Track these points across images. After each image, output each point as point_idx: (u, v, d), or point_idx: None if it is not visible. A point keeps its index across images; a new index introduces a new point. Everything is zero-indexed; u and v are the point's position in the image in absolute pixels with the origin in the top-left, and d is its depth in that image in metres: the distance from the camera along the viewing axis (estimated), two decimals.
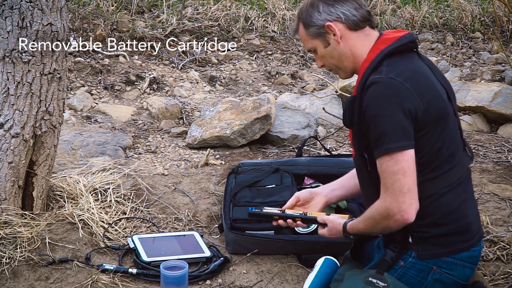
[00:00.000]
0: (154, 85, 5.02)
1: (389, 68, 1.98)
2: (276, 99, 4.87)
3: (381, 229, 2.05)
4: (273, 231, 2.80)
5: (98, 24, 5.76)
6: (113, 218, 2.99)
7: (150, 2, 6.44)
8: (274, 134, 4.10)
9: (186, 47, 5.80)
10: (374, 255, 2.21)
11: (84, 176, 3.27)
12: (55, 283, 2.56)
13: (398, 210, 1.94)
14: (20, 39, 2.69)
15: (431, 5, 7.20)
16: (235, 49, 5.96)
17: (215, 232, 2.98)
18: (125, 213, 3.06)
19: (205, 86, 5.20)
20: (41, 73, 2.75)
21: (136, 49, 5.60)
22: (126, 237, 2.88)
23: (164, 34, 5.87)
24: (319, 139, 3.92)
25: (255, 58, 5.91)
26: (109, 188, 3.18)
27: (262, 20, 6.47)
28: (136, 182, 3.34)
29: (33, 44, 2.70)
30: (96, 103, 4.70)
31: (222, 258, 2.70)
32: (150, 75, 5.13)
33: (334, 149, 4.03)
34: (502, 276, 2.62)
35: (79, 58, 5.24)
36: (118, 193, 3.18)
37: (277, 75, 5.55)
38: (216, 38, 6.10)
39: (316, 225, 2.46)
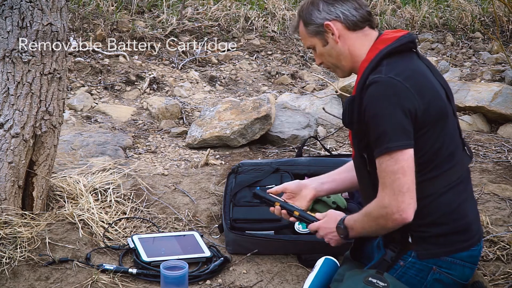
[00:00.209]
0: (154, 85, 5.02)
1: (389, 68, 1.99)
2: (276, 99, 4.87)
3: (377, 227, 2.03)
4: (273, 231, 2.80)
5: (98, 24, 5.76)
6: (113, 218, 2.99)
7: (150, 2, 6.44)
8: (274, 134, 4.10)
9: (186, 47, 5.81)
10: (374, 255, 2.21)
11: (84, 176, 3.27)
12: (55, 283, 2.56)
13: (397, 209, 1.94)
14: (20, 39, 2.69)
15: (431, 5, 7.20)
16: (235, 49, 5.96)
17: (215, 232, 2.98)
18: (125, 213, 3.07)
19: (205, 86, 5.21)
20: (41, 73, 2.75)
21: (136, 49, 5.61)
22: (126, 237, 2.88)
23: (164, 34, 5.87)
24: (319, 139, 3.92)
25: (255, 58, 5.91)
26: (109, 188, 3.18)
27: (262, 20, 6.47)
28: (136, 182, 3.34)
29: (33, 44, 2.70)
30: (96, 103, 4.70)
31: (222, 258, 2.70)
32: (150, 75, 5.13)
33: (334, 149, 4.03)
34: (502, 276, 2.62)
35: (79, 58, 5.24)
36: (118, 193, 3.18)
37: (277, 75, 5.55)
38: (216, 38, 6.10)
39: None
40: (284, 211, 2.34)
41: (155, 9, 6.42)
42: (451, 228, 2.05)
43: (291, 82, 5.46)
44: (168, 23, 6.05)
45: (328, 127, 4.40)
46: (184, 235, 2.89)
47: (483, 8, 7.07)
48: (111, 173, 3.34)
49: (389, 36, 2.09)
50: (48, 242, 2.74)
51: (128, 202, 3.15)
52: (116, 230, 2.93)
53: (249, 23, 6.40)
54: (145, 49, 5.61)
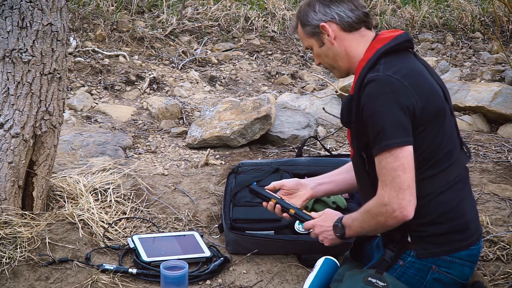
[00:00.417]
0: (154, 85, 5.02)
1: (386, 66, 1.99)
2: (276, 99, 4.87)
3: (376, 225, 2.02)
4: (273, 231, 2.80)
5: (98, 24, 5.76)
6: (113, 218, 3.00)
7: (150, 2, 6.44)
8: (274, 134, 4.10)
9: (186, 47, 5.81)
10: (373, 255, 2.21)
11: (84, 176, 3.27)
12: (55, 283, 2.56)
13: (398, 206, 1.94)
14: (20, 39, 2.69)
15: (431, 5, 7.21)
16: (234, 49, 5.96)
17: (215, 232, 2.98)
18: (125, 213, 3.07)
19: (205, 86, 5.21)
20: (41, 73, 2.75)
21: (136, 49, 5.61)
22: (126, 237, 2.88)
23: (164, 34, 5.87)
24: (319, 139, 3.92)
25: (255, 58, 5.91)
26: (109, 188, 3.18)
27: (262, 20, 6.47)
28: (136, 182, 3.34)
29: (33, 44, 2.70)
30: (96, 103, 4.71)
31: (222, 258, 2.70)
32: (150, 75, 5.13)
33: (334, 149, 4.03)
34: (502, 276, 2.62)
35: (79, 58, 5.24)
36: (118, 193, 3.18)
37: (277, 75, 5.55)
38: (216, 38, 6.10)
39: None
40: (278, 207, 2.33)
41: (155, 9, 6.42)
42: (450, 227, 2.05)
43: (291, 82, 5.46)
44: (168, 23, 6.05)
45: (328, 127, 4.40)
46: (184, 235, 2.89)
47: (483, 8, 7.07)
48: (111, 173, 3.34)
49: (386, 35, 2.10)
50: (48, 242, 2.74)
51: (128, 202, 3.15)
52: (116, 230, 2.93)
53: (249, 23, 6.41)
54: (145, 49, 5.61)
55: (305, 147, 3.93)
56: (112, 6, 6.12)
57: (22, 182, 2.84)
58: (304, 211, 2.32)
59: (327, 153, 3.61)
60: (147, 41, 5.69)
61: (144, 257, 2.67)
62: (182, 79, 5.22)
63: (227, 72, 5.51)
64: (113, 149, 3.79)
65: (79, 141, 3.84)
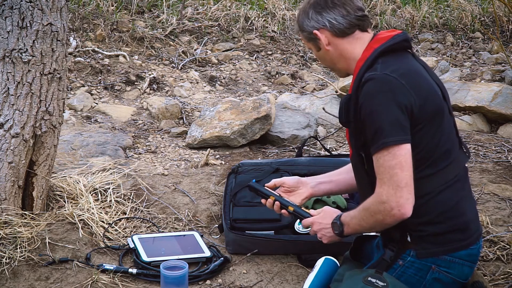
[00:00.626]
0: (154, 85, 5.02)
1: (384, 66, 2.00)
2: (276, 99, 4.87)
3: (375, 223, 2.02)
4: (273, 231, 2.80)
5: (98, 24, 5.76)
6: (113, 218, 3.00)
7: (150, 2, 6.44)
8: (274, 134, 4.10)
9: (186, 47, 5.81)
10: (373, 255, 2.21)
11: (84, 176, 3.27)
12: (55, 283, 2.56)
13: (396, 204, 1.94)
14: (20, 39, 2.69)
15: (431, 5, 7.21)
16: (234, 49, 5.96)
17: (215, 232, 2.98)
18: (125, 213, 3.07)
19: (205, 86, 5.21)
20: (41, 73, 2.75)
21: (136, 49, 5.61)
22: (126, 237, 2.88)
23: (164, 34, 5.87)
24: (319, 139, 3.92)
25: (255, 58, 5.91)
26: (109, 188, 3.18)
27: (262, 20, 6.47)
28: (136, 182, 3.34)
29: (33, 44, 2.70)
30: (96, 103, 4.71)
31: (222, 258, 2.70)
32: (150, 75, 5.13)
33: (334, 149, 4.03)
34: (502, 276, 2.62)
35: (79, 58, 5.24)
36: (118, 193, 3.18)
37: (277, 75, 5.55)
38: (216, 38, 6.10)
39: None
40: (277, 204, 2.33)
41: (155, 9, 6.42)
42: (449, 227, 2.05)
43: (291, 82, 5.46)
44: (168, 23, 6.05)
45: (328, 127, 4.40)
46: (184, 235, 2.89)
47: (483, 8, 7.07)
48: (111, 173, 3.34)
49: (384, 35, 2.11)
50: (48, 242, 2.74)
51: (128, 202, 3.15)
52: (116, 230, 2.93)
53: (249, 23, 6.41)
54: (145, 49, 5.62)
55: (305, 147, 3.93)
56: (112, 6, 6.12)
57: (22, 182, 2.84)
58: (303, 208, 2.31)
59: (327, 153, 3.61)
60: (147, 41, 5.69)
61: (144, 257, 2.67)
62: (182, 79, 5.22)
63: (227, 72, 5.51)
64: (113, 149, 3.79)
65: (79, 141, 3.84)
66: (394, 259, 2.07)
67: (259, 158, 3.82)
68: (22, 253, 2.65)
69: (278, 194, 2.37)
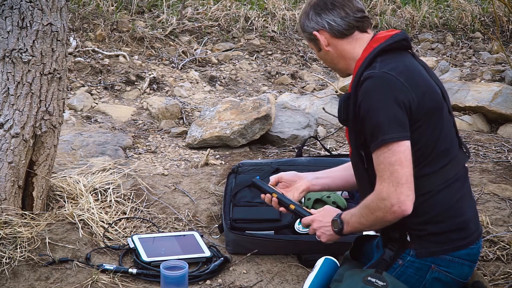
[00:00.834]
0: (154, 85, 5.02)
1: (383, 64, 2.01)
2: (276, 99, 4.87)
3: (375, 220, 2.01)
4: (273, 231, 2.80)
5: (98, 24, 5.76)
6: (113, 218, 3.00)
7: (150, 2, 6.44)
8: (274, 134, 4.10)
9: (186, 47, 5.81)
10: (373, 255, 2.21)
11: (84, 176, 3.27)
12: (55, 283, 2.56)
13: (396, 201, 1.94)
14: (20, 39, 2.69)
15: (431, 5, 7.21)
16: (234, 49, 5.96)
17: (215, 232, 2.98)
18: (125, 213, 3.07)
19: (205, 86, 5.21)
20: (41, 73, 2.75)
21: (136, 49, 5.61)
22: (126, 237, 2.88)
23: (164, 34, 5.87)
24: (319, 139, 3.92)
25: (255, 58, 5.91)
26: (109, 188, 3.18)
27: (262, 20, 6.47)
28: (136, 182, 3.34)
29: (33, 44, 2.70)
30: (96, 103, 4.71)
31: (222, 258, 2.70)
32: (150, 75, 5.13)
33: (334, 149, 4.03)
34: (502, 276, 2.62)
35: (79, 58, 5.24)
36: (118, 193, 3.18)
37: (277, 75, 5.55)
38: (216, 38, 6.10)
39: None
40: (274, 200, 2.32)
41: (155, 9, 6.43)
42: (448, 226, 2.05)
43: (291, 82, 5.46)
44: (168, 23, 6.05)
45: (328, 127, 4.40)
46: (184, 235, 2.89)
47: (483, 8, 7.07)
48: (111, 173, 3.34)
49: (383, 35, 2.12)
50: (48, 242, 2.74)
51: (128, 202, 3.15)
52: (116, 230, 2.93)
53: (249, 23, 6.41)
54: (145, 49, 5.62)
55: (305, 147, 3.93)
56: (112, 6, 6.12)
57: (22, 182, 2.84)
58: (304, 207, 2.31)
59: (327, 153, 3.61)
60: (147, 41, 5.69)
61: (144, 257, 2.67)
62: (182, 79, 5.22)
63: (227, 72, 5.51)
64: (113, 149, 3.79)
65: (79, 141, 3.84)
66: (394, 258, 2.07)
67: (259, 158, 3.83)
68: (22, 253, 2.65)
69: (281, 192, 2.37)
